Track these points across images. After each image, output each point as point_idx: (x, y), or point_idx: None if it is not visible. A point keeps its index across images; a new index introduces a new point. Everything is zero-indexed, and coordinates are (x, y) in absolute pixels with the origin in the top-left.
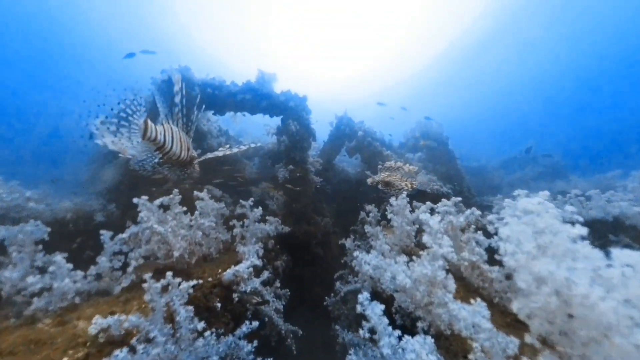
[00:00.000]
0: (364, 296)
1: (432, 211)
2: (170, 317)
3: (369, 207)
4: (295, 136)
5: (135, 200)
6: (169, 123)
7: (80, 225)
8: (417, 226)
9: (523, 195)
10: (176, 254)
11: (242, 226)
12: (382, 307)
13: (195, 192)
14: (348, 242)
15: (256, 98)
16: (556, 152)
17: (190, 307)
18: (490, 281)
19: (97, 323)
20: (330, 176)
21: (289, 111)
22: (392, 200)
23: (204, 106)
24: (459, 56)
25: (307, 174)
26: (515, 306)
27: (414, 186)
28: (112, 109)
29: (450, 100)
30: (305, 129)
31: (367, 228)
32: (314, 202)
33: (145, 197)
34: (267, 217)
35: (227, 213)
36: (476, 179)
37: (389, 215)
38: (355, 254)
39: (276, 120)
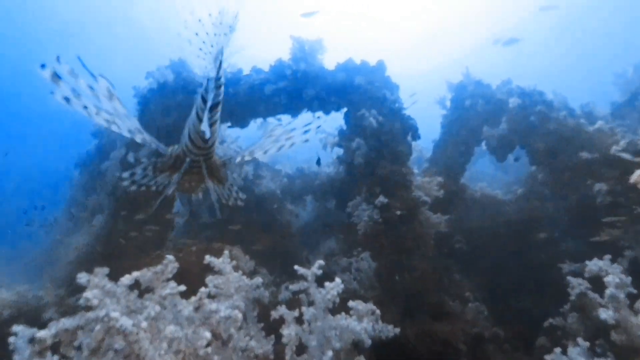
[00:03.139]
0: None
1: None
2: None
3: (600, 264)
4: (378, 136)
5: (80, 277)
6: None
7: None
8: None
9: None
10: None
11: (299, 322)
12: None
13: (209, 258)
14: None
15: (296, 84)
16: None
17: None
18: None
19: None
20: (462, 211)
21: (357, 95)
22: None
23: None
24: None
25: (416, 209)
26: None
27: None
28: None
29: None
30: (396, 120)
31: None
32: (438, 270)
33: (103, 271)
34: (349, 304)
35: (266, 298)
36: None
37: None
38: None
39: (336, 120)
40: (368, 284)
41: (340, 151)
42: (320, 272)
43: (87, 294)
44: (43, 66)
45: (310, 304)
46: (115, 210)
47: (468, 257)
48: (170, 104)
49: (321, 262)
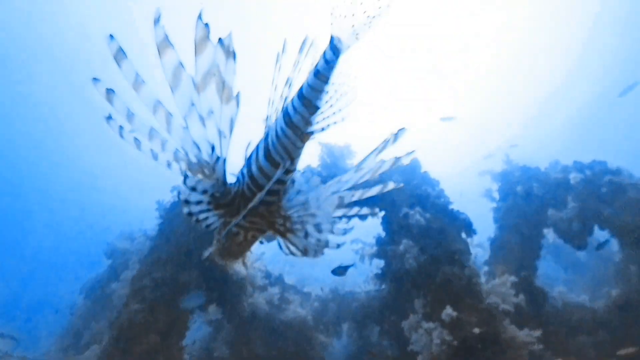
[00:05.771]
0: None
1: None
2: None
3: None
4: (429, 235)
5: None
6: None
7: None
8: None
9: None
10: None
11: None
12: None
13: None
14: None
15: None
16: None
17: None
18: None
19: None
20: (549, 325)
21: (395, 195)
22: None
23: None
24: None
25: (496, 322)
26: None
27: None
28: None
29: None
30: (444, 216)
31: None
32: None
33: None
34: None
35: None
36: None
37: None
38: None
39: (372, 228)
40: None
41: (380, 263)
42: None
43: None
44: (111, 37)
45: None
46: (114, 340)
47: None
48: None
49: None
